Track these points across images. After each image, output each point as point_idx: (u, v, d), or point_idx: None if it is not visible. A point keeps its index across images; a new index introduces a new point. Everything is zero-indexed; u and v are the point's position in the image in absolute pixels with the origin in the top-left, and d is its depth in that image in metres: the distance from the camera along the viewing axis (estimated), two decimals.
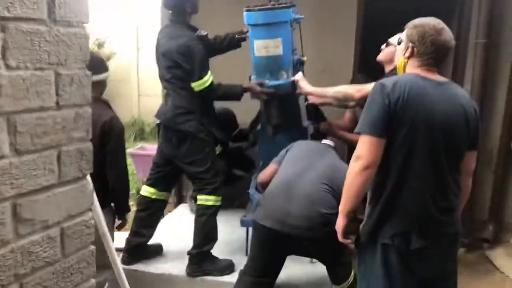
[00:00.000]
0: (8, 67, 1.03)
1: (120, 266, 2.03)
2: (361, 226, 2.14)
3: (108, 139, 2.66)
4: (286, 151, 3.03)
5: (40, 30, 1.10)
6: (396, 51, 2.38)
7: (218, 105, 3.94)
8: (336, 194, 2.57)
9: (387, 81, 2.00)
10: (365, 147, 1.97)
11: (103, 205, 2.37)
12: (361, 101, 3.31)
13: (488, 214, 4.53)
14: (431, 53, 2.04)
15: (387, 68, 3.11)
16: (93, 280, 1.35)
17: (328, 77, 4.47)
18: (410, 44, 2.08)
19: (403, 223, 2.01)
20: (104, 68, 2.81)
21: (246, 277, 2.74)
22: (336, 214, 2.25)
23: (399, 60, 2.16)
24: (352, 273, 2.81)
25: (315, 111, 3.77)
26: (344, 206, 2.08)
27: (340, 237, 2.14)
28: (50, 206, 1.18)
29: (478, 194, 4.42)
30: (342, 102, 3.48)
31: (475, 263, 4.32)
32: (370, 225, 2.07)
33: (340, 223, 2.11)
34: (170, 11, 3.18)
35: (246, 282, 2.73)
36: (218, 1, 3.25)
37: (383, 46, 3.20)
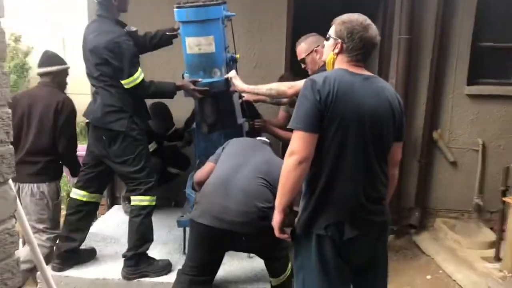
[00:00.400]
0: None
1: (48, 274, 1.93)
2: (296, 219, 2.18)
3: (60, 115, 3.26)
4: (222, 149, 3.02)
5: None
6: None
7: (153, 101, 3.89)
8: (272, 188, 2.61)
9: (317, 77, 2.04)
10: (298, 143, 2.00)
11: (56, 177, 3.41)
12: (295, 98, 3.41)
13: (414, 201, 4.81)
14: (360, 49, 2.10)
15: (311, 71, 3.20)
16: None
17: (260, 73, 4.55)
18: (339, 40, 2.13)
19: (336, 214, 2.06)
20: (56, 62, 3.40)
21: (185, 276, 2.72)
22: (272, 208, 2.28)
23: (327, 56, 2.21)
24: (289, 265, 2.87)
25: (249, 109, 3.79)
26: (279, 201, 2.10)
27: (276, 233, 2.15)
28: None
29: (404, 183, 4.67)
30: (276, 99, 3.54)
31: (403, 248, 4.56)
32: (305, 218, 2.11)
33: (276, 219, 2.13)
34: (98, 6, 3.05)
35: (185, 281, 2.71)
36: None
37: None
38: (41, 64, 3.36)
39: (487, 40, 4.66)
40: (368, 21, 2.14)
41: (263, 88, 3.05)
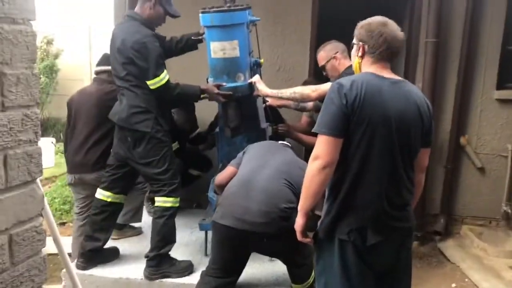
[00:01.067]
0: None
1: (74, 272, 1.96)
2: (319, 223, 2.16)
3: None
4: (243, 153, 3.03)
5: None
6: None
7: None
8: (294, 188, 2.61)
9: (344, 81, 2.02)
10: (323, 147, 1.98)
11: None
12: (319, 104, 3.42)
13: (440, 207, 4.72)
14: (381, 46, 2.07)
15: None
16: None
17: (283, 77, 4.55)
18: (360, 43, 2.12)
19: (359, 219, 2.04)
20: None
21: (208, 277, 2.73)
22: (294, 209, 2.27)
23: (354, 62, 2.19)
24: (313, 274, 2.81)
25: (273, 113, 3.80)
26: (303, 205, 2.09)
27: (299, 236, 2.15)
28: None
29: (429, 189, 4.59)
30: (299, 102, 3.54)
31: (427, 255, 4.48)
32: (328, 222, 2.09)
33: (299, 222, 2.12)
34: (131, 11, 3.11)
35: (209, 282, 2.72)
36: (174, 2, 3.18)
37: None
38: (100, 63, 3.61)
39: None
40: (387, 20, 2.12)
41: (287, 92, 3.07)
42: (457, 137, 4.58)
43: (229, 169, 3.02)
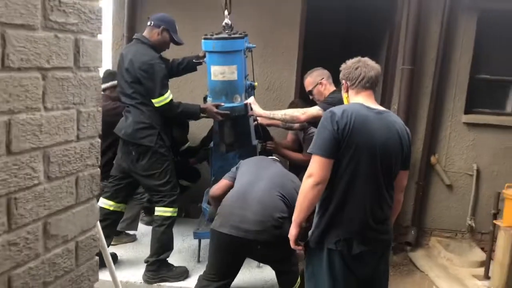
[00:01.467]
0: (46, 109, 1.24)
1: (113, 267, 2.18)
2: (309, 233, 2.47)
3: None
4: (237, 168, 3.29)
5: (68, 76, 1.31)
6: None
7: None
8: (287, 200, 2.93)
9: (337, 110, 2.35)
10: (316, 166, 2.29)
11: None
12: (305, 124, 3.77)
13: (411, 220, 5.10)
14: (358, 77, 2.46)
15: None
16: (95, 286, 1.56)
17: (271, 96, 4.87)
18: (343, 81, 2.53)
19: (346, 231, 2.35)
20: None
21: (206, 281, 2.97)
22: (286, 218, 2.61)
23: (344, 98, 2.58)
24: (298, 280, 3.14)
25: (262, 131, 4.11)
26: (297, 217, 2.40)
27: (292, 244, 2.45)
28: (69, 223, 1.38)
29: (402, 203, 4.94)
30: (289, 123, 3.86)
31: (399, 264, 4.85)
32: (317, 233, 2.40)
33: (293, 232, 2.42)
34: (140, 32, 3.38)
35: (207, 285, 2.96)
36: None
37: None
38: (103, 80, 3.78)
39: (483, 72, 5.01)
40: (361, 58, 2.54)
41: (279, 113, 3.42)
42: (428, 156, 4.97)
43: (223, 182, 3.28)
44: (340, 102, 3.08)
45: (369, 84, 2.47)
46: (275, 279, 3.34)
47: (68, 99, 1.32)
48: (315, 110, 3.34)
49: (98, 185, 1.51)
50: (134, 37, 3.42)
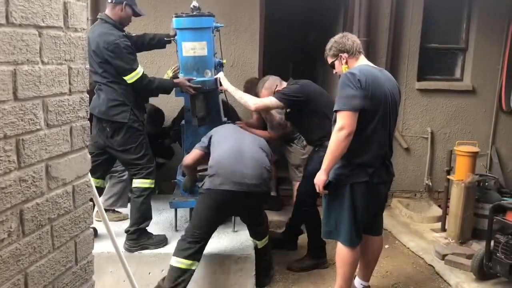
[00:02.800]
0: (43, 62, 1.41)
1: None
2: (334, 175, 2.91)
3: None
4: (209, 138, 3.45)
5: (60, 35, 1.48)
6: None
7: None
8: (267, 154, 3.32)
9: (354, 70, 2.80)
10: (347, 120, 2.72)
11: None
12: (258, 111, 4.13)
13: None
14: (353, 45, 2.95)
15: None
16: (91, 229, 1.74)
17: (236, 72, 5.06)
18: (340, 54, 2.95)
19: (371, 168, 2.85)
20: None
21: (189, 242, 3.14)
22: (270, 168, 3.15)
23: (343, 70, 2.95)
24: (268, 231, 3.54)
25: (232, 112, 4.41)
26: (328, 165, 2.84)
27: (320, 189, 2.92)
28: (67, 168, 1.56)
29: None
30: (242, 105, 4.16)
31: None
32: (345, 173, 2.88)
33: (322, 178, 2.88)
34: (105, 11, 3.48)
35: (190, 247, 3.13)
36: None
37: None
38: None
39: (433, 41, 5.36)
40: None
41: (237, 94, 3.76)
42: None
43: (194, 152, 3.48)
44: (298, 87, 3.63)
45: (361, 49, 2.98)
46: (249, 241, 3.64)
47: (60, 56, 1.49)
48: (268, 101, 3.69)
49: (89, 136, 1.69)
50: (98, 16, 3.50)
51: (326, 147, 2.90)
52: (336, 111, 2.79)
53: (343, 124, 2.72)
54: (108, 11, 3.47)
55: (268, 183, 3.25)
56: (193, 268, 3.16)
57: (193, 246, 3.15)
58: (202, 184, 3.20)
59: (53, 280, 1.51)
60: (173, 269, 3.14)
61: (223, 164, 3.18)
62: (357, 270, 3.35)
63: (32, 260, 1.40)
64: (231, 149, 3.25)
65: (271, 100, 3.63)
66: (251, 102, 3.69)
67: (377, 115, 2.80)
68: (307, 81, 3.85)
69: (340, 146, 2.76)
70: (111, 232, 2.25)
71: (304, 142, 4.34)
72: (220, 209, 3.19)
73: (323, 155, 2.92)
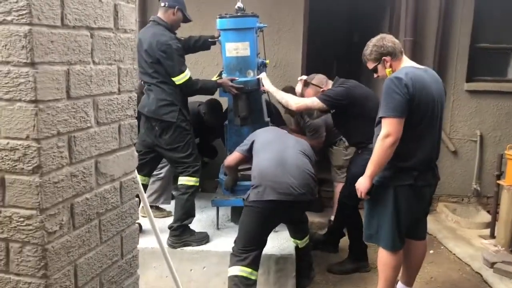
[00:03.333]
0: (94, 63, 1.46)
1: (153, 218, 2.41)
2: (378, 177, 2.86)
3: None
4: (252, 142, 3.40)
5: (110, 36, 1.53)
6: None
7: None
8: (309, 159, 3.25)
9: (400, 75, 2.70)
10: (393, 127, 2.66)
11: None
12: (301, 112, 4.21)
13: None
14: (394, 46, 2.87)
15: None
16: (137, 224, 1.79)
17: (279, 73, 5.07)
18: (383, 58, 2.87)
19: (417, 172, 2.78)
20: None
21: (244, 254, 3.06)
22: (314, 174, 3.11)
23: (387, 73, 2.89)
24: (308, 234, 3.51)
25: (277, 115, 4.49)
26: (372, 172, 2.80)
27: (364, 195, 2.87)
28: (115, 164, 1.61)
29: None
30: (284, 106, 4.16)
31: None
32: (389, 175, 2.82)
33: (366, 185, 2.83)
34: (157, 13, 3.59)
35: (247, 257, 3.06)
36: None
37: (298, 89, 3.96)
38: None
39: (483, 41, 5.17)
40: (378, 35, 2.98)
41: (278, 95, 3.78)
42: None
43: (235, 154, 3.49)
44: (343, 90, 3.57)
45: (402, 49, 2.90)
46: (290, 241, 3.63)
47: (110, 56, 1.55)
48: (310, 101, 3.62)
49: (136, 134, 1.74)
50: (150, 19, 3.61)
51: (370, 150, 2.86)
52: (381, 117, 2.72)
53: (388, 131, 2.66)
54: (160, 14, 3.57)
55: (313, 190, 3.18)
56: (253, 278, 3.05)
57: (250, 255, 3.08)
58: (247, 197, 3.13)
59: (100, 272, 1.57)
60: (232, 279, 3.04)
61: (267, 174, 3.09)
62: (400, 275, 3.27)
63: (81, 252, 1.46)
64: (275, 158, 3.17)
65: (313, 101, 3.57)
66: (293, 102, 3.66)
67: (425, 119, 2.73)
68: (354, 83, 3.72)
69: (386, 153, 2.71)
70: (155, 228, 2.30)
71: (346, 143, 4.29)
72: (267, 220, 3.12)
73: (367, 158, 2.86)
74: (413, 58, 4.89)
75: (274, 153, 3.21)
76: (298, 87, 3.93)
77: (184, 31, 4.06)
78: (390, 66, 2.86)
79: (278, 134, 3.47)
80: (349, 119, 3.64)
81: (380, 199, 2.88)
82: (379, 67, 2.92)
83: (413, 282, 3.32)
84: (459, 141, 5.23)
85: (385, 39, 2.89)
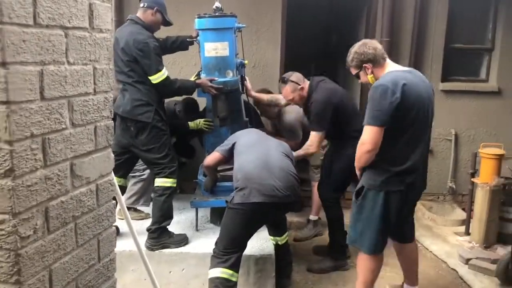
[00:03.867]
0: (69, 63, 1.43)
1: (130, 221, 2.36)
2: (365, 183, 2.86)
3: None
4: (233, 143, 3.38)
5: (85, 35, 1.50)
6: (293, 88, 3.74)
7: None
8: (291, 160, 3.26)
9: (385, 82, 2.68)
10: (370, 135, 2.67)
11: None
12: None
13: None
14: (375, 52, 2.82)
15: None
16: (114, 227, 1.76)
17: (258, 73, 5.06)
18: (364, 65, 2.85)
19: (406, 176, 2.75)
20: None
21: (225, 256, 3.04)
22: (297, 175, 3.14)
23: (369, 80, 2.89)
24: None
25: (255, 117, 4.49)
26: (358, 166, 2.88)
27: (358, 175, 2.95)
28: (91, 167, 1.58)
29: None
30: (273, 103, 4.19)
31: None
32: (380, 180, 2.78)
33: (358, 173, 2.94)
34: (136, 13, 3.54)
35: (228, 259, 3.04)
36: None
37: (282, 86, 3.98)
38: None
39: (457, 42, 5.27)
40: (359, 41, 2.94)
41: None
42: None
43: (215, 154, 3.46)
44: (323, 102, 3.69)
45: (385, 55, 2.86)
46: (270, 241, 3.64)
47: (85, 56, 1.51)
48: (316, 139, 3.75)
49: (112, 135, 1.71)
50: (128, 18, 3.56)
51: (354, 145, 2.92)
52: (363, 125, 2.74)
53: (365, 139, 2.69)
54: (139, 14, 3.53)
55: (297, 192, 3.17)
56: (234, 279, 3.04)
57: (232, 257, 3.07)
58: (231, 199, 3.09)
59: (76, 277, 1.54)
60: (213, 280, 3.02)
61: (252, 177, 3.07)
62: (404, 278, 3.38)
63: (56, 256, 1.43)
64: (259, 160, 3.15)
65: (316, 136, 3.72)
66: (309, 147, 3.78)
67: (416, 122, 2.71)
68: (328, 91, 3.76)
69: (362, 158, 2.77)
70: (133, 231, 2.26)
71: (323, 143, 4.34)
72: (251, 222, 3.10)
73: (347, 153, 3.08)
74: (390, 58, 4.97)
75: (258, 155, 3.19)
76: (286, 89, 3.96)
77: (162, 31, 4.01)
78: (372, 73, 2.84)
79: (260, 137, 3.46)
80: (334, 126, 3.76)
81: (368, 203, 2.86)
82: (361, 73, 2.91)
83: (417, 279, 3.36)
84: (435, 140, 5.31)
85: (366, 45, 2.84)
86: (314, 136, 3.73)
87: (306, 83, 3.85)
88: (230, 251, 3.05)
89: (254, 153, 3.21)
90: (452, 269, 4.03)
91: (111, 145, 1.70)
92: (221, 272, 3.00)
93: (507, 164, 4.57)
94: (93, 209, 1.62)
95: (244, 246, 3.15)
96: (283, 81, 3.89)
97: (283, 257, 3.56)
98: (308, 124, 3.94)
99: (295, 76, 3.89)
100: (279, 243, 3.51)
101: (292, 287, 3.67)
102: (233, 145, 3.39)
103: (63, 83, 1.41)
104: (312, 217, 4.64)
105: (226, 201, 3.25)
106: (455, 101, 5.25)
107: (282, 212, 3.34)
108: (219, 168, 3.71)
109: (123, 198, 2.26)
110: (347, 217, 3.59)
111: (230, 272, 3.01)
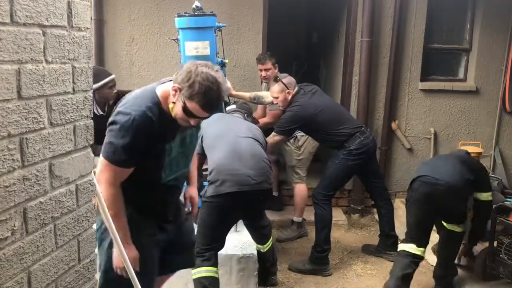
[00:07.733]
0: (47, 61, 1.41)
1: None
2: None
3: None
4: (201, 137, 3.20)
5: (64, 34, 1.48)
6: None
7: None
8: (261, 145, 3.27)
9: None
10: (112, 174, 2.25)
11: None
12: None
13: None
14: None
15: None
16: (94, 227, 1.74)
17: (239, 71, 5.06)
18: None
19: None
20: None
21: (207, 253, 3.06)
22: (269, 160, 3.21)
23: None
24: (272, 233, 3.47)
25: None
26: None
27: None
28: (70, 167, 1.56)
29: None
30: (256, 100, 4.28)
31: (367, 225, 5.19)
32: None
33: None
34: None
35: (210, 258, 3.07)
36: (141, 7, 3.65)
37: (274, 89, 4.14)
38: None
39: (436, 42, 5.35)
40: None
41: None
42: (389, 123, 5.29)
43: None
44: (291, 116, 3.98)
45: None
46: (251, 240, 3.61)
47: (64, 55, 1.49)
48: (277, 138, 4.07)
49: (92, 135, 1.69)
50: None
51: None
52: None
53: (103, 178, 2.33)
54: None
55: (270, 178, 3.20)
56: (217, 276, 3.07)
57: (212, 252, 3.10)
58: (204, 193, 3.07)
59: (56, 278, 1.52)
60: (200, 281, 3.01)
61: (224, 168, 3.05)
62: None
63: (35, 258, 1.41)
64: (229, 150, 3.11)
65: (274, 138, 4.02)
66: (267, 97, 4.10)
67: None
68: (304, 103, 3.93)
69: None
70: (114, 232, 2.23)
71: (299, 143, 4.45)
72: (227, 214, 3.09)
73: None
74: (370, 58, 5.05)
75: (227, 146, 3.14)
76: (275, 87, 4.04)
77: (141, 28, 4.00)
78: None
79: (226, 123, 3.39)
80: (311, 133, 4.14)
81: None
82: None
83: None
84: (414, 138, 5.39)
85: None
86: (273, 136, 4.02)
87: (294, 90, 3.97)
88: (211, 246, 3.05)
89: (223, 144, 3.15)
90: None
91: (90, 145, 1.68)
92: (206, 271, 3.00)
93: (485, 162, 4.66)
94: (73, 210, 1.60)
95: (223, 241, 3.16)
96: (275, 79, 4.07)
97: (267, 258, 3.56)
98: (276, 125, 4.13)
99: (288, 79, 4.03)
100: (262, 250, 3.49)
101: (274, 286, 3.68)
102: (201, 139, 3.25)
103: (41, 82, 1.39)
104: (296, 218, 4.64)
105: (200, 196, 3.23)
106: (434, 100, 5.33)
107: (258, 202, 3.22)
108: (204, 167, 3.69)
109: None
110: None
111: (214, 269, 3.04)
